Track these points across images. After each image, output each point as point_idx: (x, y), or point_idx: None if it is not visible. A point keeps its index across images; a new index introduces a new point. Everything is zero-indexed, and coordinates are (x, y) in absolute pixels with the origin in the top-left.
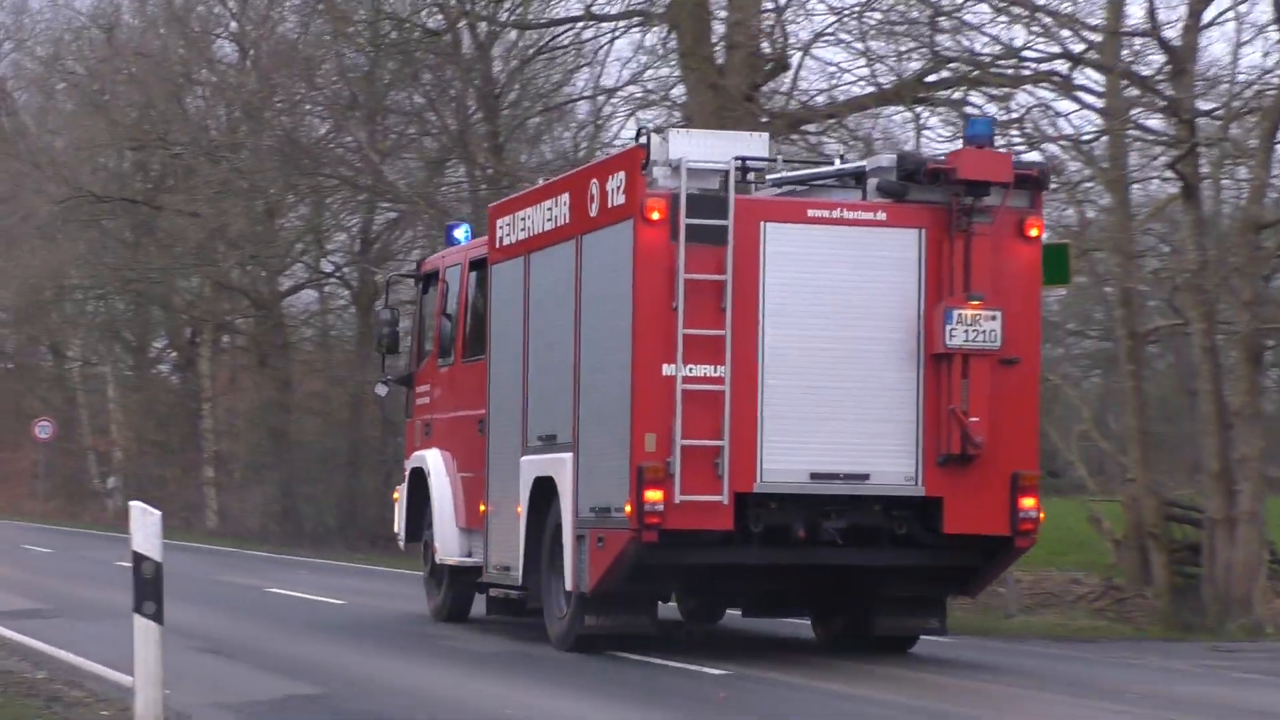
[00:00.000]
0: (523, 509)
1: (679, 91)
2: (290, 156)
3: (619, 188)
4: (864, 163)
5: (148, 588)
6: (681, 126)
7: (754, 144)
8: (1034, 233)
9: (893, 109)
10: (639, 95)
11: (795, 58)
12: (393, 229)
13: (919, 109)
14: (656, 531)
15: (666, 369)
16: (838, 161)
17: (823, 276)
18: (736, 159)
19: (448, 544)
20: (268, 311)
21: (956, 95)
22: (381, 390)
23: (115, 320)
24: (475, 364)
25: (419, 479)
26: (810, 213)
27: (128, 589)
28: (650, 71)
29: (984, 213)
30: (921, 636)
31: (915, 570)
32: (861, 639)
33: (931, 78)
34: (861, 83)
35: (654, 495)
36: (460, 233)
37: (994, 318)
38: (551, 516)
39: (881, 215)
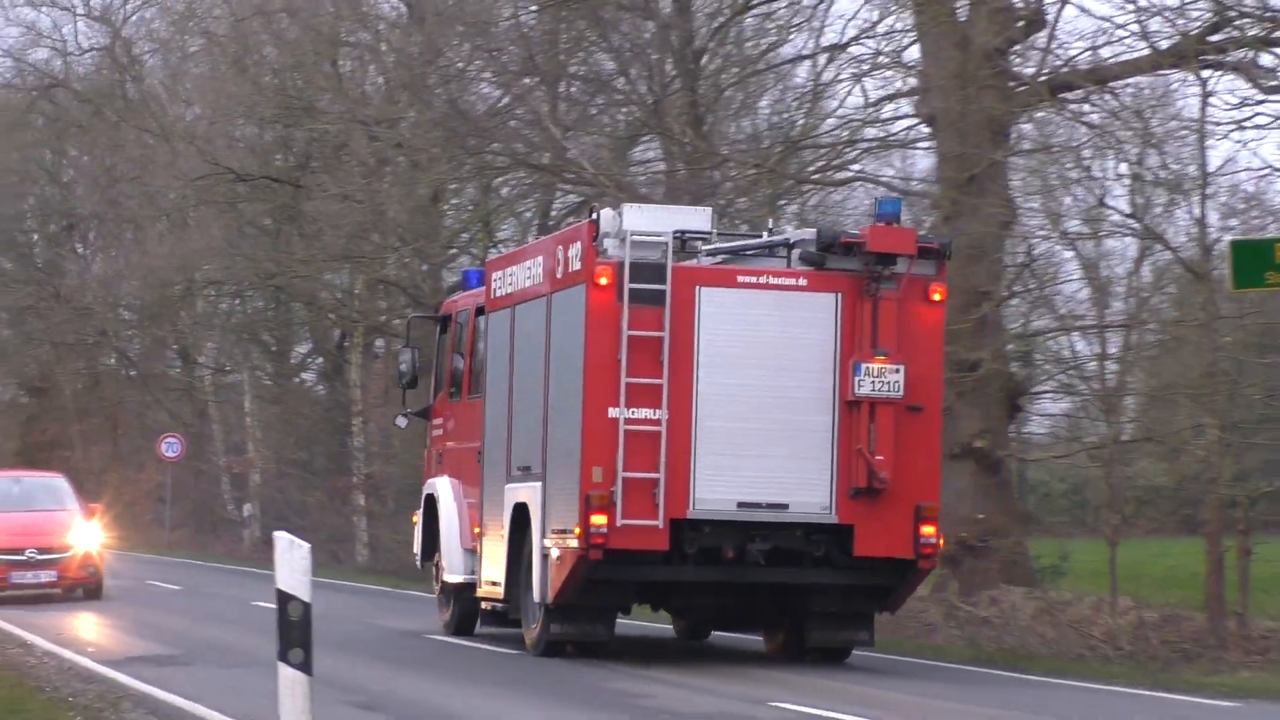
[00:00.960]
0: (505, 531)
1: (913, 55)
2: (456, 131)
3: (577, 255)
4: (788, 235)
5: (294, 632)
6: (635, 202)
7: (697, 217)
8: (937, 297)
9: (1169, 72)
10: (866, 56)
11: (1052, 11)
12: (575, 215)
13: (1205, 73)
14: (601, 550)
15: (612, 411)
16: (765, 234)
17: (751, 333)
18: (676, 232)
19: (453, 564)
20: (431, 310)
21: (1247, 56)
22: (402, 422)
23: (253, 321)
24: (477, 401)
25: (431, 504)
26: (740, 278)
27: (269, 633)
28: (881, 26)
29: (891, 280)
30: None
31: (834, 588)
32: (799, 651)
33: (1216, 36)
34: (1132, 40)
35: (599, 519)
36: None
37: (897, 371)
38: (527, 538)
39: (803, 281)
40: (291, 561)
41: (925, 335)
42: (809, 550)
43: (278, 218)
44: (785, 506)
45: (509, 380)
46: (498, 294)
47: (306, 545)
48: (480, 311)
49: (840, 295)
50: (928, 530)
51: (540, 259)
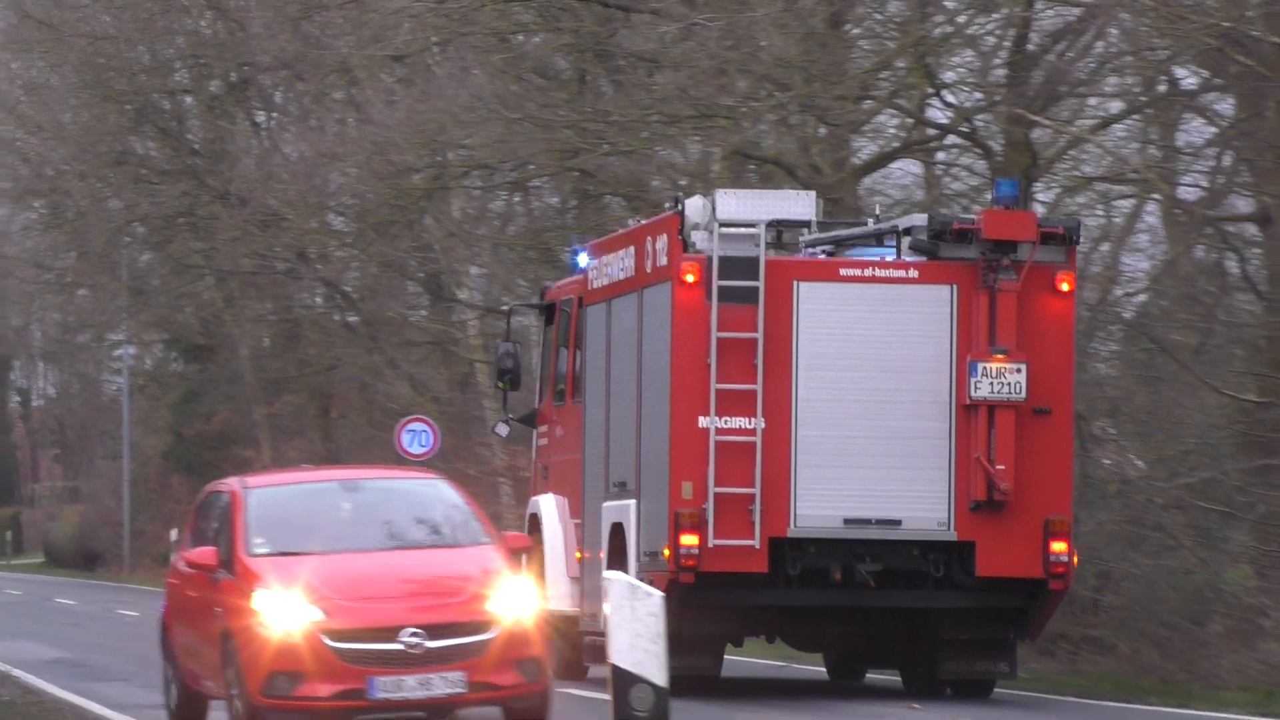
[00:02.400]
0: (604, 555)
1: None
2: None
3: (663, 249)
4: (897, 221)
5: None
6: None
7: (800, 203)
8: (1065, 287)
9: None
10: None
11: None
12: (1067, 41)
13: None
14: (693, 574)
15: (702, 421)
16: (871, 222)
17: (856, 331)
18: (771, 221)
19: (557, 594)
20: (832, 200)
21: None
22: (503, 430)
23: (542, 228)
24: (579, 406)
25: (535, 526)
26: (843, 271)
27: None
28: None
29: (1010, 269)
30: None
31: (959, 612)
32: (932, 684)
33: None
34: None
35: (689, 540)
36: (583, 258)
37: (1019, 370)
38: (625, 562)
39: (914, 273)
40: (635, 620)
41: (1052, 329)
42: (926, 570)
43: (580, 57)
44: (897, 523)
45: (606, 384)
46: (595, 284)
47: (657, 595)
48: (582, 302)
49: (956, 287)
50: (1058, 546)
51: (632, 249)
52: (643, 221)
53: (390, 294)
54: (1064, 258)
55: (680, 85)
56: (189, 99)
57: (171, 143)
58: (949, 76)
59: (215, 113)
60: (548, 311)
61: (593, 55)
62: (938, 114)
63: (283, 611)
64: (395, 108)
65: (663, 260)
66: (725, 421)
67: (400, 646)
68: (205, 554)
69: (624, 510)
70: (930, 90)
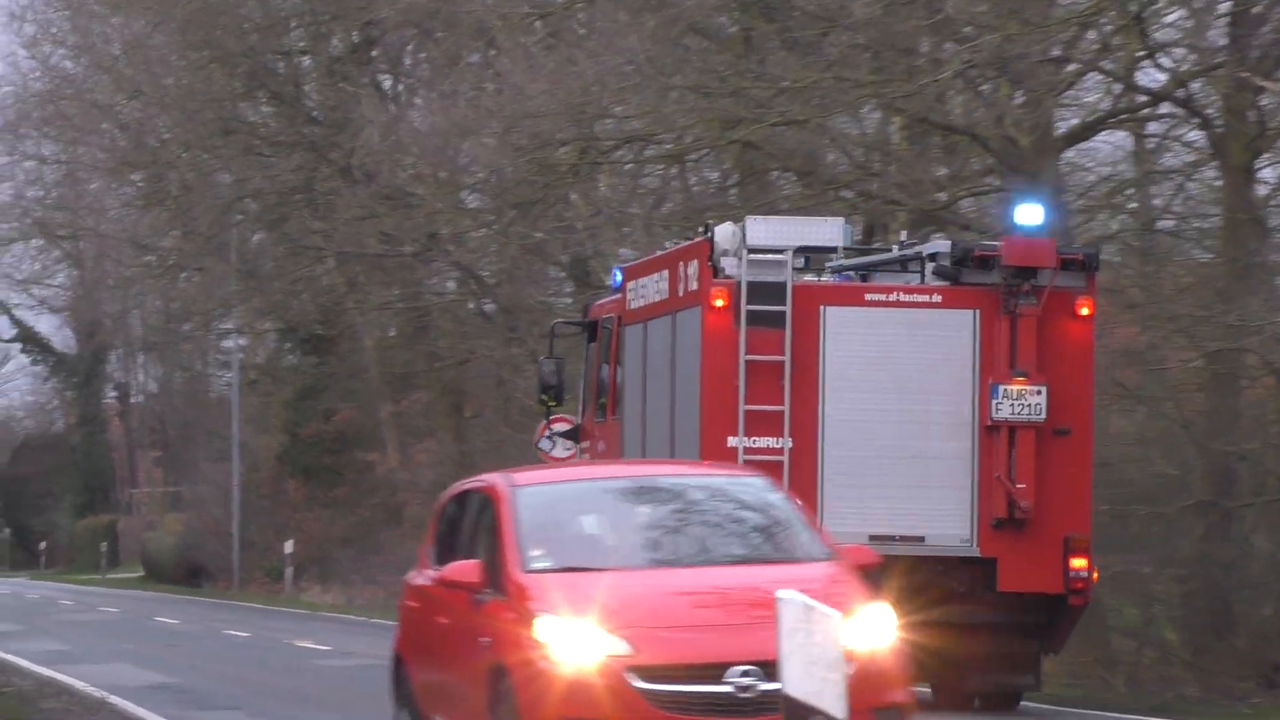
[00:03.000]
0: None
1: None
2: None
3: (694, 274)
4: (921, 248)
5: None
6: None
7: (829, 230)
8: (1085, 311)
9: None
10: None
11: None
12: None
13: None
14: None
15: (730, 441)
16: (895, 248)
17: (882, 354)
18: (799, 248)
19: None
20: (1028, 176)
21: None
22: (546, 446)
23: (702, 208)
24: (618, 422)
25: None
26: (868, 296)
27: None
28: None
29: (1029, 295)
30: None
31: (982, 627)
32: (959, 698)
33: None
34: None
35: None
36: (619, 277)
37: (1039, 392)
38: None
39: (937, 298)
40: (810, 644)
41: (1072, 353)
42: (951, 586)
43: (744, 15)
44: (921, 539)
45: (642, 403)
46: (632, 305)
47: (835, 616)
48: (621, 322)
49: (978, 312)
50: (1078, 563)
51: (666, 273)
52: (679, 244)
53: (531, 279)
54: (1084, 283)
55: (857, 46)
56: (306, 61)
57: (286, 110)
58: (1163, 37)
59: (335, 77)
60: (590, 329)
61: (758, 12)
62: (1150, 78)
63: (574, 642)
64: (538, 73)
65: (694, 285)
66: (753, 441)
67: (728, 689)
68: (466, 569)
69: None
70: (1141, 52)
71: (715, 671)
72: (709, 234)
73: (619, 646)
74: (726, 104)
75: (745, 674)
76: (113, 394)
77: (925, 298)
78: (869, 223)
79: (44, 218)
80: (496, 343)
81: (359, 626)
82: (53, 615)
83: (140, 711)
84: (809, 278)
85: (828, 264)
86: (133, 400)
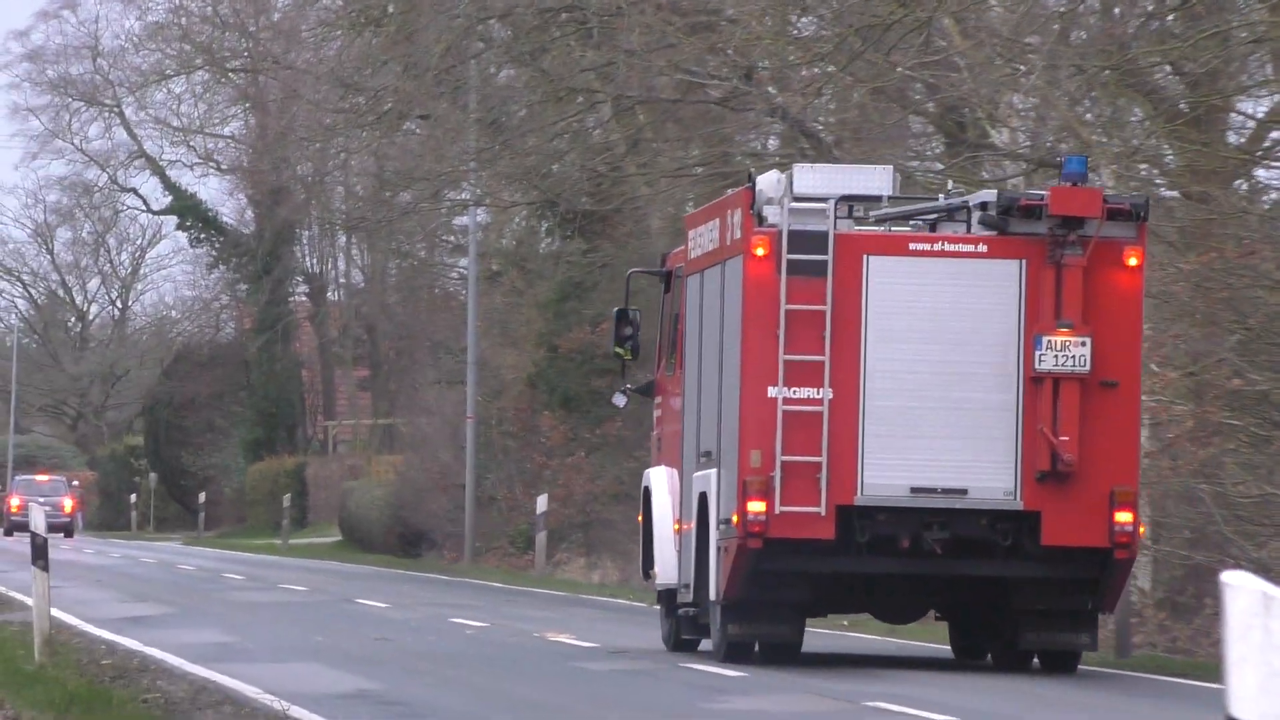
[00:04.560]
0: (693, 525)
1: None
2: None
3: (738, 223)
4: (968, 197)
5: None
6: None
7: (877, 178)
8: (1133, 261)
9: None
10: None
11: None
12: None
13: None
14: (761, 539)
15: (771, 391)
16: (942, 198)
17: (925, 304)
18: (842, 196)
19: (665, 566)
20: None
21: None
22: (620, 400)
23: (1125, 36)
24: (682, 376)
25: (647, 500)
26: (912, 245)
27: None
28: None
29: (1076, 245)
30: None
31: (1028, 581)
32: (1012, 657)
33: None
34: None
35: (756, 506)
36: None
37: (1084, 344)
38: (708, 531)
39: (983, 247)
40: (1270, 647)
41: (1119, 304)
42: (995, 539)
43: None
44: (964, 492)
45: (699, 355)
46: (692, 255)
47: None
48: (683, 272)
49: (1024, 262)
50: (1123, 517)
51: (716, 221)
52: (729, 193)
53: (884, 135)
54: (1134, 233)
55: None
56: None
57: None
58: None
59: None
60: (666, 279)
61: None
62: None
63: None
64: None
65: (737, 234)
66: (793, 392)
67: None
68: None
69: (707, 480)
70: None
71: None
72: (751, 182)
73: None
74: None
75: None
76: (302, 290)
77: (970, 247)
78: None
79: (211, 42)
80: None
81: (634, 615)
82: (215, 594)
83: None
84: (854, 227)
85: (872, 213)
86: (330, 299)
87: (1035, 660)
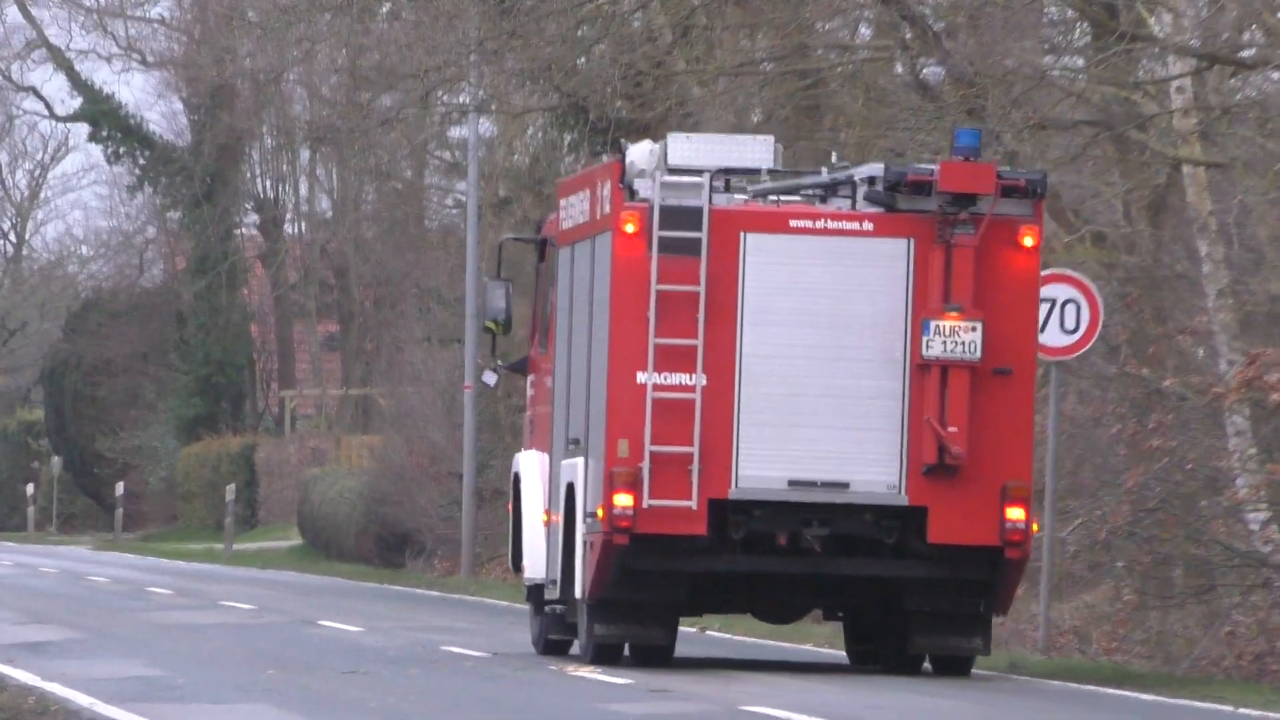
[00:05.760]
0: (560, 517)
1: None
2: None
3: (607, 196)
4: (853, 171)
5: None
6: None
7: (758, 149)
8: (1029, 241)
9: None
10: None
11: None
12: None
13: None
14: (627, 535)
15: (640, 376)
16: (824, 171)
17: (806, 285)
18: (719, 170)
19: (534, 560)
20: None
21: None
22: (490, 379)
23: None
24: (552, 354)
25: (517, 486)
26: (793, 223)
27: None
28: None
29: (967, 223)
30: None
31: (919, 582)
32: (900, 661)
33: None
34: None
35: (623, 500)
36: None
37: (974, 329)
38: (575, 525)
39: (868, 225)
40: None
41: (1014, 287)
42: (878, 537)
43: None
44: (845, 486)
45: (569, 334)
46: (563, 225)
47: None
48: (554, 243)
49: (913, 241)
50: (1015, 513)
51: (587, 192)
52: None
53: (1007, 27)
54: (1030, 211)
55: None
56: None
57: None
58: None
59: None
60: (541, 247)
61: None
62: None
63: None
64: None
65: (607, 208)
66: (664, 378)
67: None
68: None
69: (575, 469)
70: None
71: None
72: (622, 153)
73: None
74: None
75: None
76: (252, 222)
77: (855, 225)
78: None
79: None
80: (941, 134)
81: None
82: (137, 614)
83: None
84: (732, 202)
85: (751, 188)
86: (288, 233)
87: (927, 664)
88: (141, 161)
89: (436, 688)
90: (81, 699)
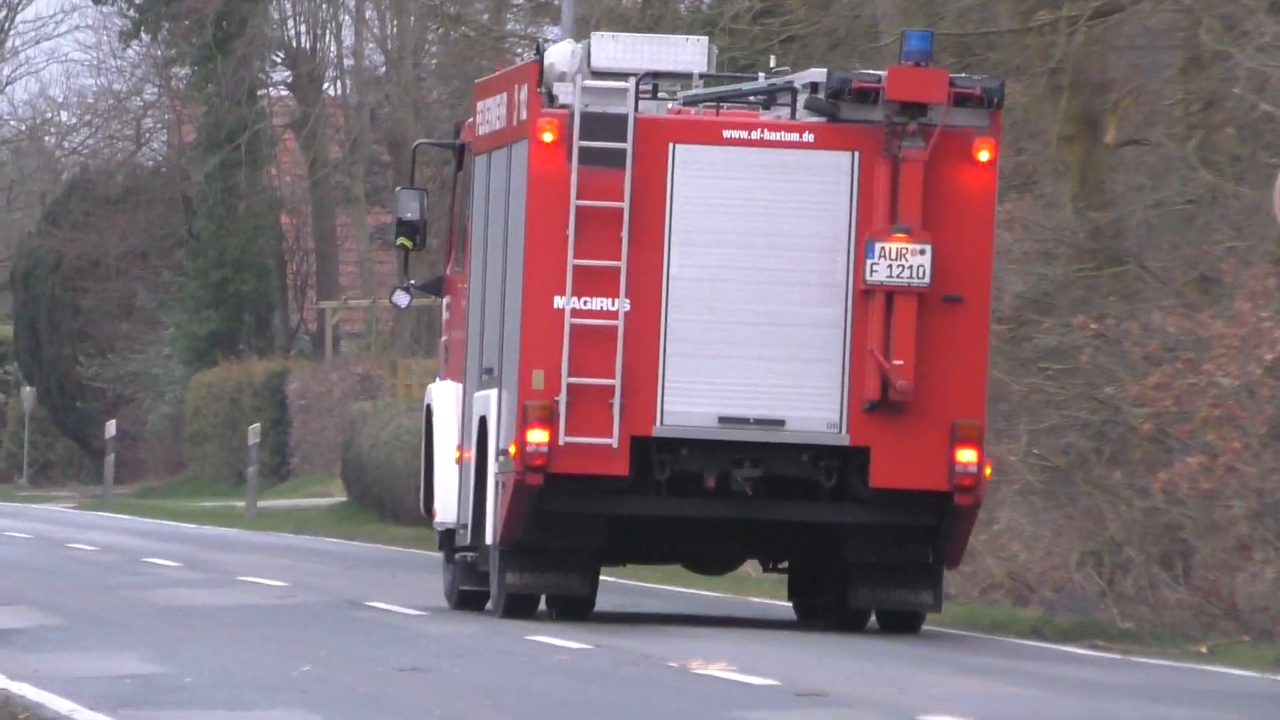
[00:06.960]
0: (471, 454)
1: None
2: None
3: (524, 101)
4: (793, 77)
5: None
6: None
7: (690, 50)
8: (984, 156)
9: None
10: None
11: None
12: None
13: None
14: (542, 474)
15: (558, 301)
16: (762, 77)
17: (740, 202)
18: (647, 73)
19: (445, 503)
20: None
21: None
22: (402, 300)
23: None
24: (466, 274)
25: (429, 420)
26: (727, 133)
27: None
28: None
29: (917, 135)
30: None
31: (861, 529)
32: (842, 616)
33: None
34: None
35: (537, 436)
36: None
37: (922, 251)
38: (487, 463)
39: (809, 136)
40: None
41: (967, 205)
42: (816, 479)
43: None
44: (780, 423)
45: (484, 253)
46: (481, 131)
47: None
48: (470, 150)
49: (857, 155)
50: (966, 455)
51: (504, 96)
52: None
53: None
54: (985, 122)
55: None
56: None
57: None
58: None
59: None
60: (459, 154)
61: None
62: None
63: None
64: None
65: (523, 114)
66: (583, 303)
67: None
68: None
69: (487, 401)
70: None
71: None
72: (540, 53)
73: None
74: None
75: None
76: (282, 78)
77: (795, 136)
78: None
79: None
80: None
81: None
82: (132, 594)
83: None
84: (658, 108)
85: (682, 93)
86: (328, 94)
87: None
88: (136, 2)
89: (519, 689)
90: (59, 704)
